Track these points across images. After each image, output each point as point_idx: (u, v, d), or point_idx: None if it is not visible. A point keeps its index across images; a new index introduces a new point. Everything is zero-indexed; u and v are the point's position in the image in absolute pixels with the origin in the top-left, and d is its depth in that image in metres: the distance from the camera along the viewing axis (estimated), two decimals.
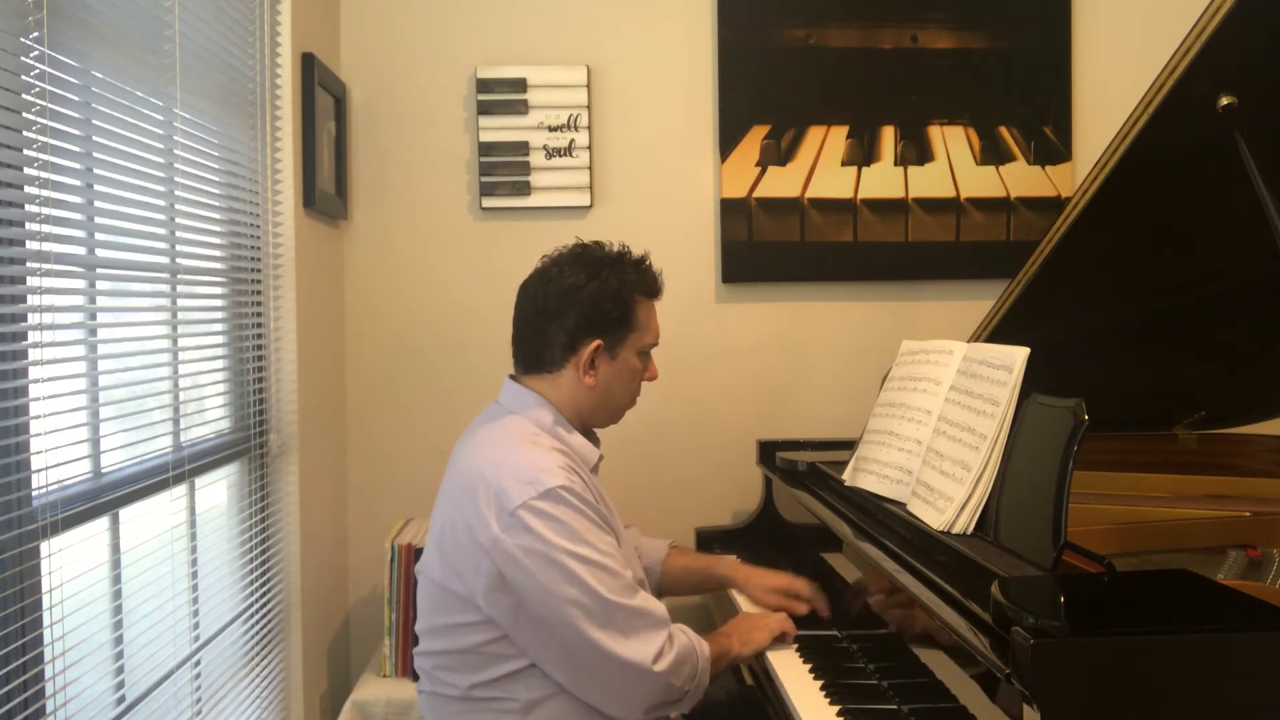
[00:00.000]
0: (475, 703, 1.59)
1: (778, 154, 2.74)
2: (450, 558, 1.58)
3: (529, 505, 1.51)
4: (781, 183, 2.74)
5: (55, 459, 1.35)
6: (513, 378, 1.76)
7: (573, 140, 2.71)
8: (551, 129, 2.70)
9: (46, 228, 1.33)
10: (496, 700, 1.58)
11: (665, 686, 1.56)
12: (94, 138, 1.47)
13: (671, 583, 2.03)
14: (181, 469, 1.73)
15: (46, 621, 1.31)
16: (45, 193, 1.33)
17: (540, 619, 1.52)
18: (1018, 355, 1.55)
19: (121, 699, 1.55)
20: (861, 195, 2.76)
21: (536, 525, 1.50)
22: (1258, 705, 1.07)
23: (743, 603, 1.97)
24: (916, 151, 2.77)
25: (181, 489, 1.77)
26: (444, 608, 1.60)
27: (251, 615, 2.06)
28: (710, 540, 2.50)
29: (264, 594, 2.13)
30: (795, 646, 1.76)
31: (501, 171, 2.71)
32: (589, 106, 2.71)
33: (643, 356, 1.75)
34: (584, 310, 1.66)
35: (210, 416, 1.96)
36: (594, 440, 1.77)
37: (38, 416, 1.31)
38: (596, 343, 1.67)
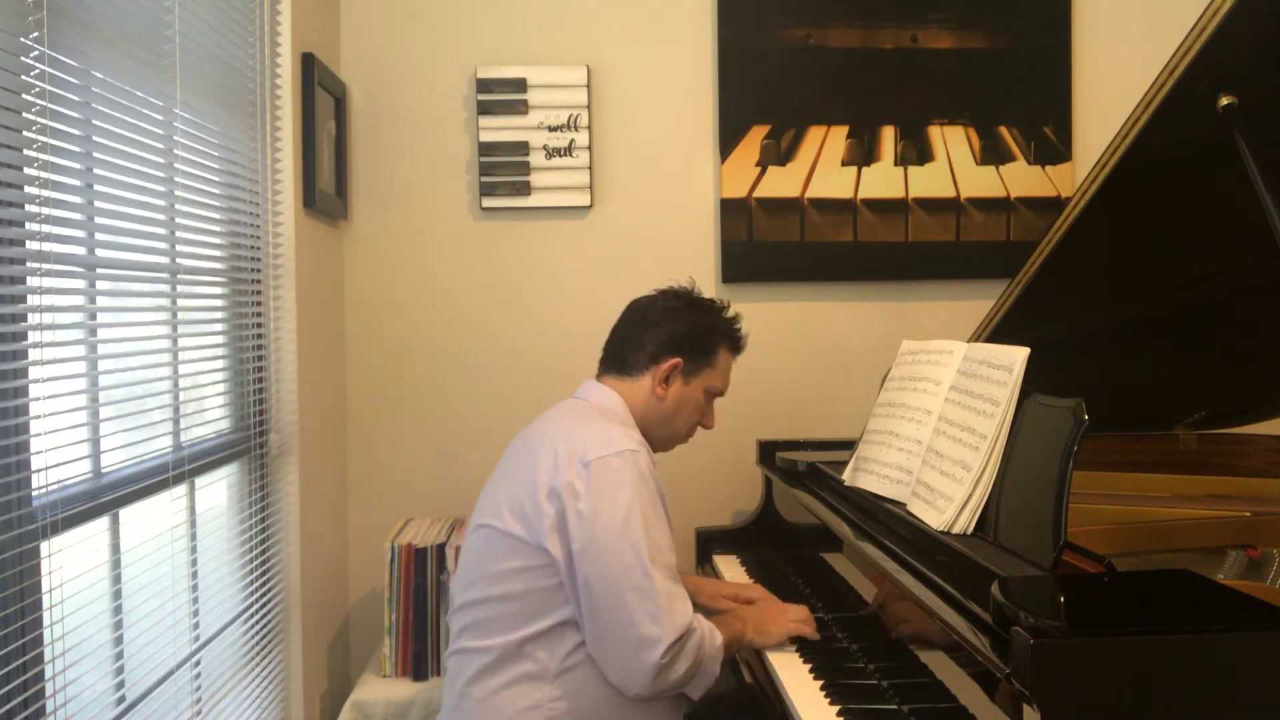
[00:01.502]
0: (506, 662, 1.62)
1: (778, 154, 2.74)
2: (519, 503, 1.65)
3: (605, 459, 1.62)
4: (781, 183, 2.74)
5: (55, 459, 1.35)
6: (594, 379, 1.89)
7: (573, 140, 2.71)
8: (551, 129, 2.70)
9: (46, 228, 1.33)
10: (527, 660, 1.62)
11: (659, 674, 1.58)
12: (94, 138, 1.47)
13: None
14: (181, 469, 1.73)
15: (46, 621, 1.31)
16: (45, 193, 1.33)
17: (597, 558, 1.57)
18: (1018, 355, 1.55)
19: (121, 699, 1.55)
20: (861, 195, 2.76)
21: (610, 475, 1.61)
22: (1258, 705, 1.07)
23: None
24: (916, 151, 2.77)
25: (181, 489, 1.77)
26: (506, 553, 1.65)
27: (251, 615, 2.06)
28: (710, 540, 2.50)
29: (264, 594, 2.13)
30: (795, 647, 1.76)
31: (501, 171, 2.71)
32: (589, 106, 2.71)
33: (709, 397, 1.91)
34: (678, 330, 1.84)
35: (210, 416, 1.96)
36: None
37: (38, 416, 1.31)
38: (677, 360, 1.83)
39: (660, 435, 1.89)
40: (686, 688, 1.65)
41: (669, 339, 1.84)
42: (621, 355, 1.86)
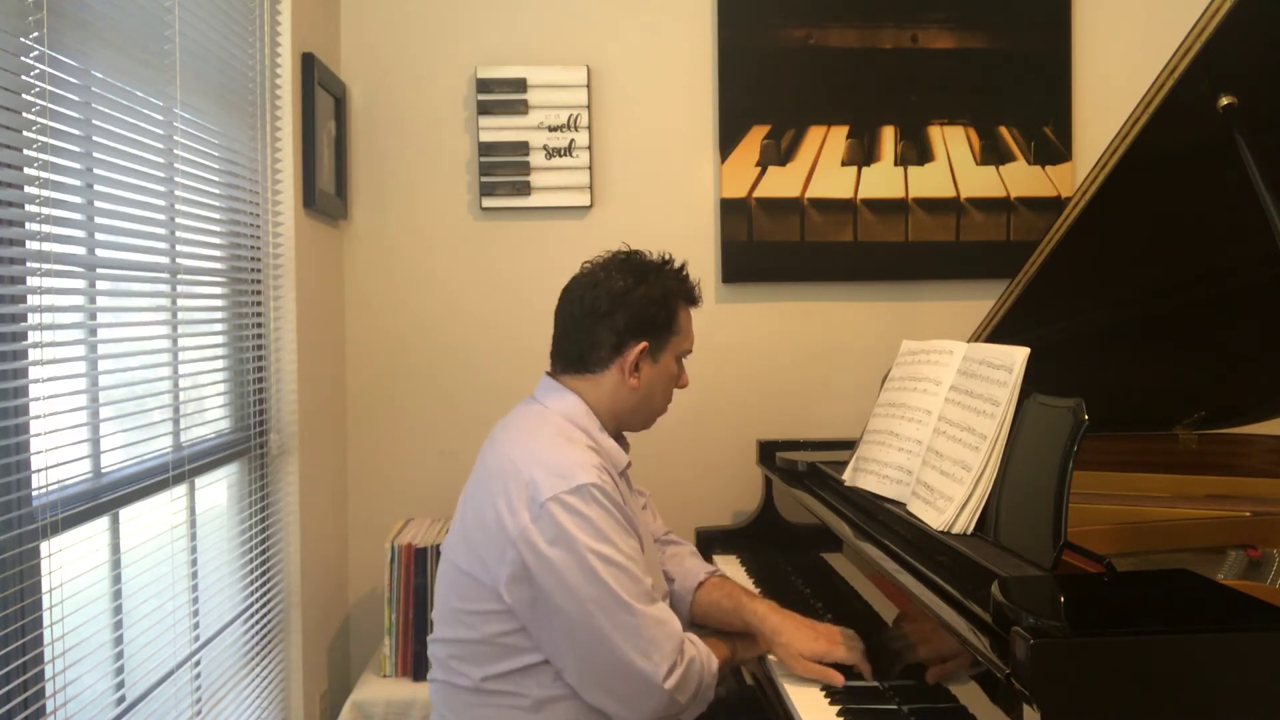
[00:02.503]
0: (487, 695, 1.59)
1: (778, 154, 2.74)
2: (476, 544, 1.59)
3: (559, 499, 1.53)
4: (781, 183, 2.74)
5: (55, 459, 1.35)
6: (550, 375, 1.79)
7: (573, 140, 2.71)
8: (551, 129, 2.70)
9: (46, 228, 1.33)
10: (508, 694, 1.59)
11: (669, 702, 1.56)
12: (94, 138, 1.47)
13: (700, 615, 1.88)
14: (181, 469, 1.73)
15: (46, 621, 1.31)
16: (45, 193, 1.33)
17: (559, 611, 1.52)
18: (1018, 355, 1.55)
19: (121, 699, 1.55)
20: (861, 195, 2.76)
21: (564, 519, 1.52)
22: (1258, 705, 1.07)
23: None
24: (916, 151, 2.77)
25: (181, 489, 1.77)
26: (465, 594, 1.60)
27: (251, 615, 2.06)
28: (710, 540, 2.50)
29: (264, 594, 2.13)
30: None
31: (501, 171, 2.71)
32: (589, 106, 2.71)
33: (679, 362, 1.80)
34: (632, 313, 1.71)
35: (210, 416, 1.96)
36: (624, 446, 1.79)
37: (38, 416, 1.31)
38: (643, 345, 1.72)
39: (638, 419, 1.80)
40: (684, 715, 1.62)
41: (627, 325, 1.71)
42: (579, 353, 1.73)
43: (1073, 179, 2.77)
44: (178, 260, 1.78)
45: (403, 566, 2.29)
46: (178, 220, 1.77)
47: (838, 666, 1.62)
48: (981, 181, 2.77)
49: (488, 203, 2.71)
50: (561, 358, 1.77)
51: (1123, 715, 1.07)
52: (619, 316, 1.71)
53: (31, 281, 1.32)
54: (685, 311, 1.79)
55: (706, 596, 1.87)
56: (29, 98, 1.30)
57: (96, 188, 1.49)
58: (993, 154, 2.77)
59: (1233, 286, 1.97)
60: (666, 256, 1.80)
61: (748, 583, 2.19)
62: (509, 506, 1.55)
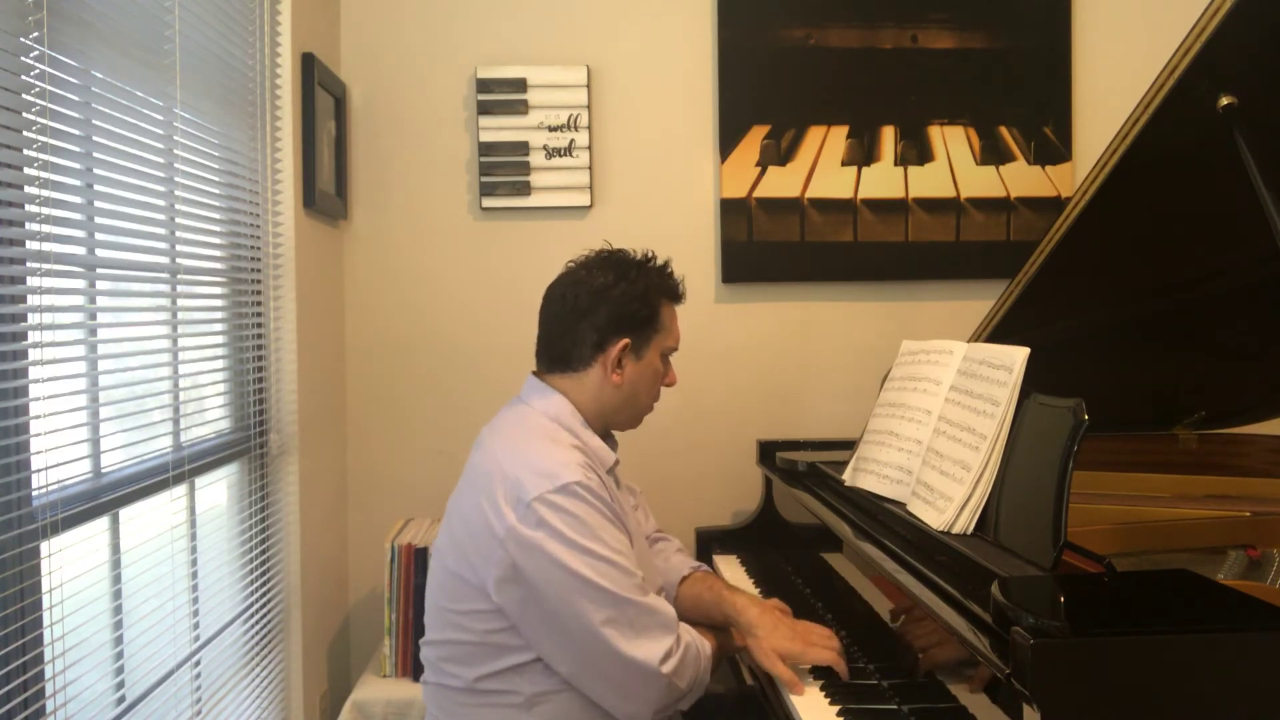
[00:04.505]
0: (479, 694, 1.60)
1: (778, 154, 2.74)
2: (464, 545, 1.59)
3: (544, 498, 1.53)
4: (781, 183, 2.74)
5: (55, 459, 1.35)
6: (536, 374, 1.78)
7: (573, 140, 2.71)
8: (551, 129, 2.70)
9: (46, 228, 1.33)
10: (500, 693, 1.59)
11: (669, 687, 1.56)
12: (94, 138, 1.47)
13: (684, 609, 1.83)
14: (181, 469, 1.73)
15: (46, 621, 1.31)
16: (45, 193, 1.33)
17: (550, 611, 1.53)
18: (1018, 355, 1.55)
19: (121, 699, 1.55)
20: (861, 195, 2.76)
21: (551, 518, 1.52)
22: (1258, 705, 1.07)
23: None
24: (916, 151, 2.77)
25: (181, 489, 1.77)
26: (455, 594, 1.61)
27: (251, 615, 2.06)
28: (710, 540, 2.50)
29: (264, 594, 2.13)
30: None
31: (501, 171, 2.71)
32: (589, 106, 2.71)
33: (664, 359, 1.79)
34: (613, 309, 1.71)
35: (210, 416, 1.96)
36: (612, 444, 1.79)
37: (38, 416, 1.31)
38: (624, 341, 1.71)
39: (624, 417, 1.79)
40: (683, 701, 1.63)
41: (608, 321, 1.70)
42: (562, 352, 1.73)
43: (1073, 179, 2.77)
44: (178, 260, 1.78)
45: (403, 566, 2.29)
46: (178, 220, 1.77)
47: (818, 669, 1.62)
48: (981, 181, 2.77)
49: (488, 203, 2.71)
50: (546, 357, 1.77)
51: (1123, 715, 1.07)
52: (600, 313, 1.70)
53: (31, 281, 1.32)
54: (669, 308, 1.78)
55: (690, 590, 1.87)
56: (29, 98, 1.30)
57: (96, 188, 1.49)
58: (993, 154, 2.77)
59: (1233, 286, 1.97)
60: (650, 254, 1.79)
61: (748, 583, 2.19)
62: (495, 508, 1.55)
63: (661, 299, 1.76)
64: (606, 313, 1.70)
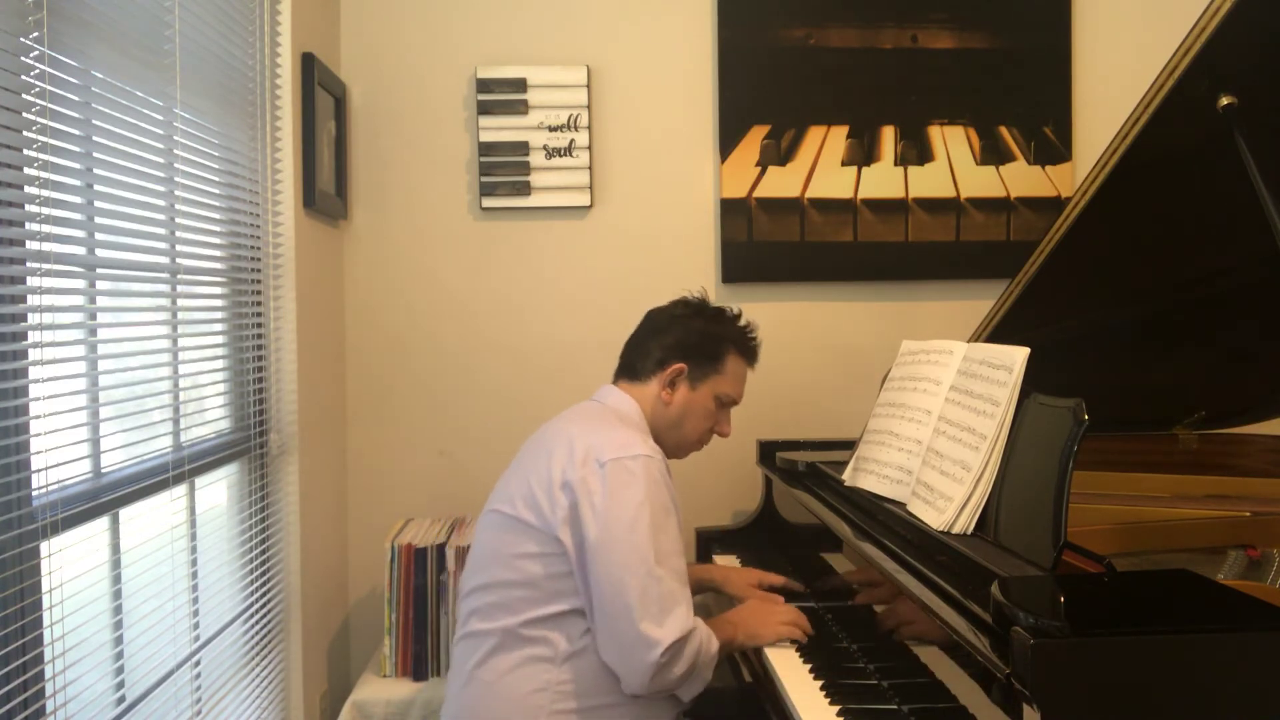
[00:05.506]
0: (519, 641, 1.65)
1: (778, 154, 2.74)
2: (530, 493, 1.69)
3: (620, 461, 1.65)
4: (781, 183, 2.74)
5: (55, 459, 1.35)
6: (611, 384, 1.94)
7: (573, 140, 2.71)
8: (551, 129, 2.70)
9: (46, 228, 1.33)
10: (538, 641, 1.65)
11: (659, 666, 1.59)
12: (94, 138, 1.47)
13: None
14: (181, 469, 1.73)
15: (46, 621, 1.31)
16: (45, 193, 1.33)
17: (600, 553, 1.60)
18: (1018, 355, 1.55)
19: (121, 699, 1.55)
20: (861, 195, 2.76)
21: (624, 477, 1.63)
22: (1258, 705, 1.07)
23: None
24: (916, 151, 2.77)
25: (181, 489, 1.77)
26: (514, 538, 1.69)
27: (251, 615, 2.06)
28: (710, 540, 2.50)
29: (264, 594, 2.13)
30: (795, 646, 1.76)
31: (501, 171, 2.71)
32: (589, 106, 2.71)
33: (720, 404, 1.93)
34: (682, 336, 1.89)
35: (210, 416, 1.96)
36: None
37: (38, 416, 1.31)
38: (682, 365, 1.88)
39: (670, 441, 1.91)
40: (679, 690, 1.66)
41: (674, 344, 1.88)
42: (632, 361, 1.92)
43: (1073, 179, 2.77)
44: (178, 260, 1.78)
45: (403, 566, 2.29)
46: (178, 220, 1.77)
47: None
48: (981, 181, 2.77)
49: (488, 203, 2.71)
50: (621, 366, 1.95)
51: (1123, 715, 1.07)
52: (671, 335, 1.89)
53: (31, 281, 1.32)
54: (737, 360, 1.93)
55: None
56: (29, 98, 1.30)
57: (96, 188, 1.49)
58: (993, 154, 2.77)
59: (1233, 286, 1.97)
60: (738, 312, 1.96)
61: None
62: (570, 462, 1.66)
63: (731, 348, 1.92)
64: (676, 336, 1.89)
